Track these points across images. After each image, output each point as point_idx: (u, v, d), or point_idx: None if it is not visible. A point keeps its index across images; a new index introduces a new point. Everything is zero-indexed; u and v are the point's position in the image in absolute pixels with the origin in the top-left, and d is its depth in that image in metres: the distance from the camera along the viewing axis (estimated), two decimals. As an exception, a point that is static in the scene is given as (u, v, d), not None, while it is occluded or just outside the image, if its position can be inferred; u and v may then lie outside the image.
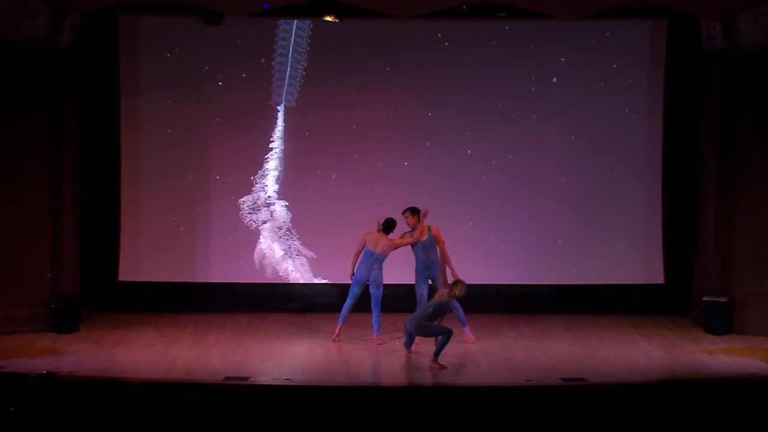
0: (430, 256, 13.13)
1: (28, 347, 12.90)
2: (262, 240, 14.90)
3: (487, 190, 14.95)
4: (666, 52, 14.79)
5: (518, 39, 14.82)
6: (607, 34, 14.82)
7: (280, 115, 14.85)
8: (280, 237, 14.89)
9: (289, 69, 14.79)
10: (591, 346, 13.25)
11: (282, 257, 14.90)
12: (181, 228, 14.89)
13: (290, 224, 14.92)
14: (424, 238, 13.13)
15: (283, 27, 14.71)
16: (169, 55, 14.74)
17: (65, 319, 13.73)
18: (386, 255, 13.12)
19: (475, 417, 10.51)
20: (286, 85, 14.80)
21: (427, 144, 14.91)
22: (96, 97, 14.70)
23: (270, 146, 14.88)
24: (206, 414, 10.49)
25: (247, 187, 14.89)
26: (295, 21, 14.67)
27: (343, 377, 12.00)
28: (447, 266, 13.02)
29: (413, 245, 13.15)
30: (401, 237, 13.21)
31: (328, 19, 14.51)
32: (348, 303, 13.24)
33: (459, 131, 14.88)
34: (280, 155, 14.89)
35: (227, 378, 11.44)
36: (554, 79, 14.82)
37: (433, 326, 12.21)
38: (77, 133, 14.28)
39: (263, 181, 14.87)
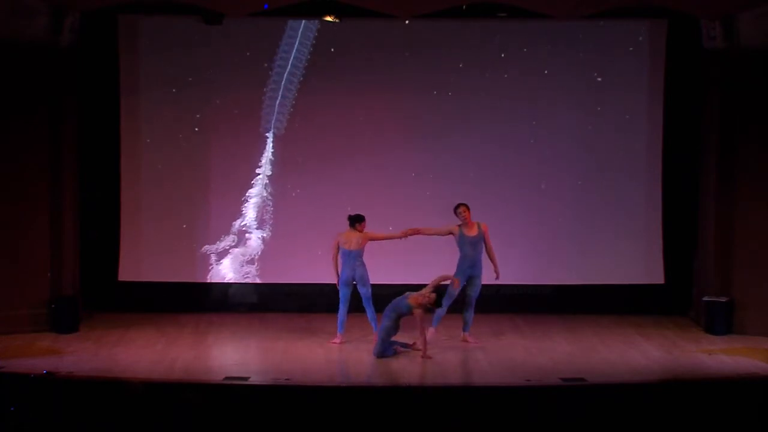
0: (477, 253, 13.16)
1: (28, 347, 12.90)
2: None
3: (487, 190, 14.94)
4: (666, 52, 14.79)
5: (518, 39, 14.82)
6: (607, 34, 14.82)
7: (280, 115, 14.85)
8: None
9: (289, 67, 14.79)
10: (591, 346, 13.25)
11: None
12: (182, 228, 14.89)
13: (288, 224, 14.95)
14: (474, 233, 13.13)
15: (285, 25, 14.73)
16: (169, 55, 14.75)
17: (65, 319, 13.73)
18: (363, 250, 13.13)
19: (475, 417, 10.50)
20: (283, 82, 14.82)
21: (426, 145, 14.90)
22: (96, 97, 14.70)
23: (267, 146, 14.91)
24: (206, 414, 10.50)
25: (247, 187, 14.90)
26: (302, 22, 14.70)
27: (341, 377, 12.01)
28: (492, 263, 13.14)
29: (461, 241, 13.11)
30: (451, 229, 13.18)
31: (328, 19, 14.51)
32: (342, 308, 13.24)
33: (458, 132, 14.87)
34: (272, 158, 14.92)
35: (227, 378, 11.44)
36: (554, 79, 14.81)
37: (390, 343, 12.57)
38: (77, 133, 14.28)
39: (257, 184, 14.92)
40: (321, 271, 14.87)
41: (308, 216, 14.89)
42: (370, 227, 13.26)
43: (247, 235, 14.90)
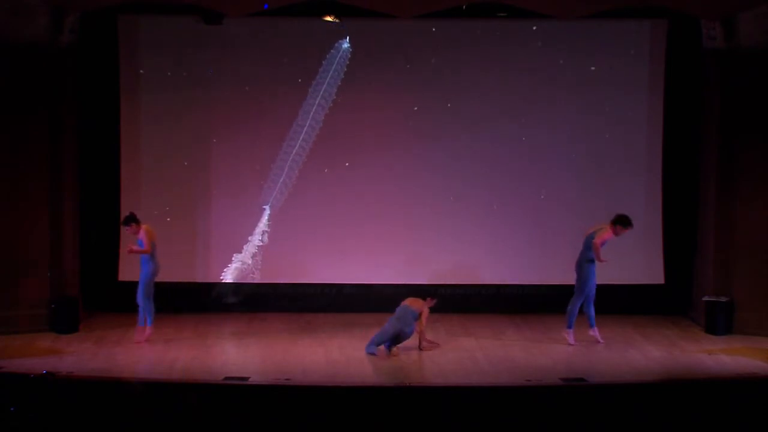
0: None
1: (28, 347, 12.91)
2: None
3: (488, 190, 14.94)
4: (666, 52, 14.80)
5: (518, 39, 14.82)
6: (607, 34, 14.83)
7: (280, 117, 14.86)
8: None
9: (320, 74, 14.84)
10: (591, 346, 13.25)
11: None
12: (182, 228, 14.88)
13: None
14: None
15: (284, 26, 14.76)
16: (169, 55, 14.75)
17: (65, 319, 13.73)
18: None
19: (476, 417, 10.51)
20: (307, 89, 14.85)
21: (427, 144, 14.90)
22: (96, 97, 14.71)
23: (267, 147, 14.92)
24: (206, 414, 10.50)
25: (247, 188, 14.90)
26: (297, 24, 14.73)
27: (341, 377, 12.04)
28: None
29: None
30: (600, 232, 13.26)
31: (328, 19, 14.52)
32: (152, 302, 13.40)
33: (458, 132, 14.87)
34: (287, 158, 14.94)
35: (227, 378, 11.45)
36: (554, 79, 14.81)
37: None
38: (77, 133, 14.29)
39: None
40: (321, 272, 14.94)
41: (308, 214, 14.91)
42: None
43: (247, 234, 14.90)
